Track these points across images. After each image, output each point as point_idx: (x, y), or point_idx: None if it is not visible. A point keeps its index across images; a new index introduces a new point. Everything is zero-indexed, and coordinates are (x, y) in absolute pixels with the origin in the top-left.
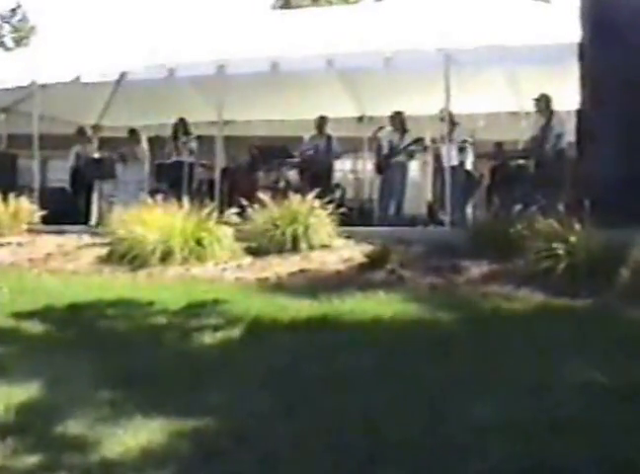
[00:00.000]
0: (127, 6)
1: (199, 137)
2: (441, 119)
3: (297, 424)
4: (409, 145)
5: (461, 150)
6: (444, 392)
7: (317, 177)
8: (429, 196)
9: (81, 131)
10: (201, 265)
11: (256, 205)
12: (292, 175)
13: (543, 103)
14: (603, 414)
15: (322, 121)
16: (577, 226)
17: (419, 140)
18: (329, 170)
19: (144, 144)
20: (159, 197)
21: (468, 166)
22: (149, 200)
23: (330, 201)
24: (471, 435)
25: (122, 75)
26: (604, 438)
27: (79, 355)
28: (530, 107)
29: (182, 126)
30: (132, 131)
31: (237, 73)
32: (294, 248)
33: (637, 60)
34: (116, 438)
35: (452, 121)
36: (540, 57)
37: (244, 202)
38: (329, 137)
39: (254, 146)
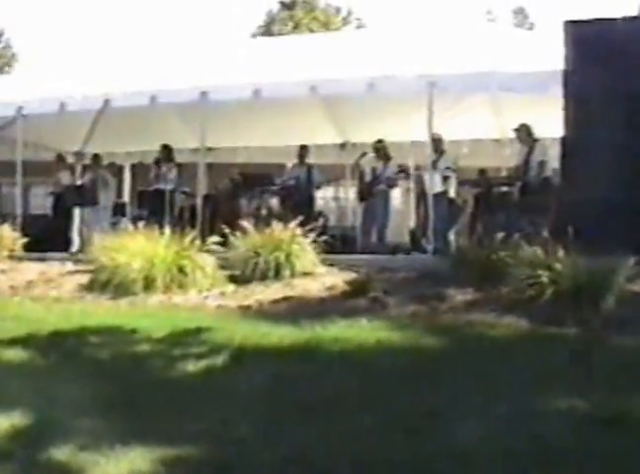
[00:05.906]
0: (110, 33)
1: (179, 165)
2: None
3: (281, 452)
4: (395, 174)
5: (444, 177)
6: (428, 419)
7: (298, 206)
8: (411, 223)
9: (62, 158)
10: (184, 292)
11: (238, 233)
12: (275, 202)
13: (524, 133)
14: (588, 443)
15: (303, 151)
16: (561, 253)
17: (403, 171)
18: (310, 199)
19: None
20: (140, 224)
21: (451, 193)
22: (130, 227)
23: (312, 229)
24: (455, 464)
25: (105, 102)
26: (588, 468)
27: (61, 383)
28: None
29: (166, 154)
30: (95, 156)
31: (219, 100)
32: (277, 276)
33: (621, 87)
34: (97, 467)
35: (440, 150)
36: (524, 84)
37: (226, 230)
38: (310, 167)
39: (236, 173)
